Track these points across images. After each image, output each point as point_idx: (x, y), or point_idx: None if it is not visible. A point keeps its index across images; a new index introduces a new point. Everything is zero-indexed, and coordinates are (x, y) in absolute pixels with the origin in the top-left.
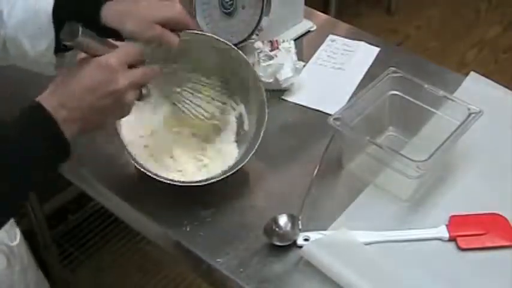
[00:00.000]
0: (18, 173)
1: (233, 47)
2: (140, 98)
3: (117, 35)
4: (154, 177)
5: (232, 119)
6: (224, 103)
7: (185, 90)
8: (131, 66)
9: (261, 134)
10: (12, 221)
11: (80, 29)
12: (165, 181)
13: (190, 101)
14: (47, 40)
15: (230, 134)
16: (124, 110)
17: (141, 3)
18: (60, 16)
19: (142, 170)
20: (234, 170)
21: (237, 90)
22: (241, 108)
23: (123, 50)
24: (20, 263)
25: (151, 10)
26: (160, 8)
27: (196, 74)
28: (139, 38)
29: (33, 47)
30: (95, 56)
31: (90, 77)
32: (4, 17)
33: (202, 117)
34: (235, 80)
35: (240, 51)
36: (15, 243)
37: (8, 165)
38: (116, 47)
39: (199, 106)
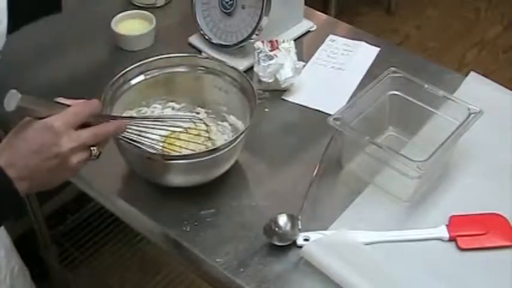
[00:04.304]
0: None
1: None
2: (90, 157)
3: None
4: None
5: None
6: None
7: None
8: (83, 125)
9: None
10: None
11: (19, 96)
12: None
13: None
14: None
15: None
16: (71, 171)
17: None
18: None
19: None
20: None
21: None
22: (232, 118)
23: (72, 111)
24: (4, 248)
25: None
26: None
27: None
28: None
29: None
30: (40, 118)
31: (35, 139)
32: None
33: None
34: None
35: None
36: None
37: None
38: (68, 106)
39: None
